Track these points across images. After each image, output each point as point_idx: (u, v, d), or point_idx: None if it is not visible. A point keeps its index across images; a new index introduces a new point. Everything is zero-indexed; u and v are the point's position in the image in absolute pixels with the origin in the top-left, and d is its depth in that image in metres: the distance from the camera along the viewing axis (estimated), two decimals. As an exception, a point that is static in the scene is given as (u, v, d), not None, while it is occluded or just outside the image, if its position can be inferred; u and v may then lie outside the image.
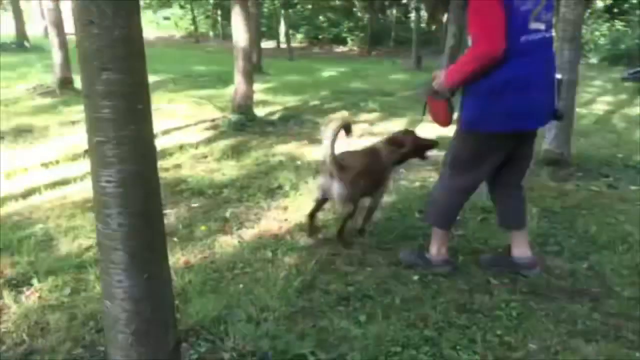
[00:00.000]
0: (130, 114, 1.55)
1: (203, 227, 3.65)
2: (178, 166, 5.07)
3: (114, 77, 1.50)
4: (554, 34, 2.83)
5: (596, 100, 10.67)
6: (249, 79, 7.00)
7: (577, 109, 7.63)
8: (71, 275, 2.96)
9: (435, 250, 3.14)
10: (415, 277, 3.03)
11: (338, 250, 3.37)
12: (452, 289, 2.92)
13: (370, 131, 6.92)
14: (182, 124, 6.88)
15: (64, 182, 4.48)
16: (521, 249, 3.12)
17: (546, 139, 5.20)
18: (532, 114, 2.78)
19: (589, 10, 21.88)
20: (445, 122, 3.02)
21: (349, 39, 26.74)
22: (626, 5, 22.47)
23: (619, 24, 22.05)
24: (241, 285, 2.91)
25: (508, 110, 2.71)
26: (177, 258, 3.20)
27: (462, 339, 2.47)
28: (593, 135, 7.05)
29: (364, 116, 7.96)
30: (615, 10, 22.63)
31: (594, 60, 20.79)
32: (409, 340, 2.45)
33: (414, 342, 2.43)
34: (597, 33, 21.80)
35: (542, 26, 2.70)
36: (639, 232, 3.65)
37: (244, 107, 6.96)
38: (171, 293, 1.79)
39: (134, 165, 1.57)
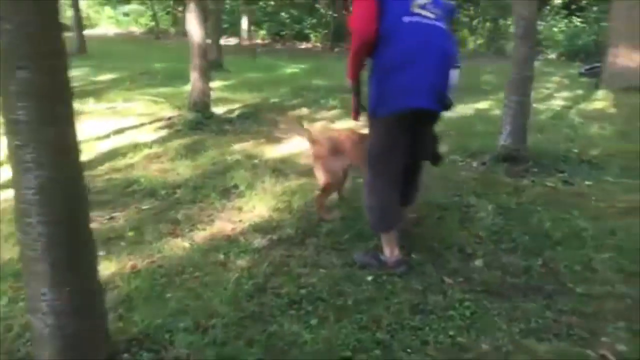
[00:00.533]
0: (50, 116, 1.44)
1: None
2: (130, 166, 4.92)
3: (30, 76, 1.38)
4: (443, 25, 2.88)
5: (553, 95, 10.80)
6: (205, 76, 6.86)
7: (535, 105, 7.71)
8: (9, 284, 2.82)
9: (389, 252, 3.10)
10: (369, 278, 2.98)
11: (292, 252, 3.29)
12: (406, 289, 2.88)
13: (331, 128, 6.84)
14: (137, 122, 6.70)
15: (5, 185, 4.29)
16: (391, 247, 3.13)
17: (502, 134, 5.21)
18: (415, 91, 2.83)
19: (547, 7, 22.29)
20: (354, 116, 3.24)
21: (312, 36, 26.61)
22: (584, 2, 22.90)
23: (576, 20, 22.46)
24: (190, 291, 2.81)
25: (394, 90, 2.84)
26: (123, 263, 3.08)
27: (414, 340, 2.43)
28: (550, 131, 7.11)
29: (324, 113, 7.89)
30: (573, 6, 23.05)
31: (552, 55, 21.14)
32: (361, 343, 2.39)
33: (366, 345, 2.38)
34: (555, 29, 22.16)
35: (430, 15, 2.84)
36: (592, 228, 3.67)
37: (201, 105, 6.81)
38: (102, 305, 1.69)
39: (55, 171, 1.47)
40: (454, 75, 2.98)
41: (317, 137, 3.84)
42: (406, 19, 2.79)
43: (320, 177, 3.78)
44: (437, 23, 2.86)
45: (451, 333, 2.49)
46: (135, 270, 3.00)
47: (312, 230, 3.59)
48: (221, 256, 3.20)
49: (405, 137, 2.98)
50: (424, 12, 2.83)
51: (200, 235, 3.51)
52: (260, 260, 3.16)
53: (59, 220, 1.49)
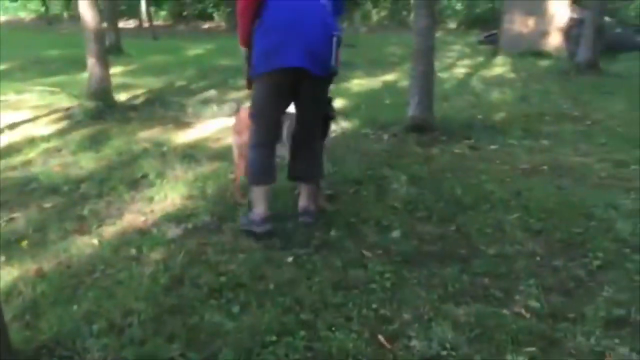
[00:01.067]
0: None
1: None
2: (27, 163, 4.60)
3: None
4: (325, 3, 3.04)
5: (456, 64, 11.16)
6: (104, 62, 6.49)
7: (439, 74, 7.94)
8: None
9: (256, 209, 3.23)
10: (290, 259, 2.94)
11: (208, 239, 3.20)
12: (326, 267, 2.87)
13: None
14: (32, 115, 6.27)
15: None
16: (304, 201, 3.35)
17: (410, 105, 5.31)
18: (291, 52, 2.97)
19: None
20: (246, 84, 3.34)
21: (215, 15, 25.98)
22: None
23: (473, -10, 23.22)
24: (102, 290, 2.66)
25: (270, 49, 3.01)
26: (26, 267, 2.88)
27: (338, 318, 2.42)
28: (454, 99, 7.34)
29: (234, 94, 7.73)
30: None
31: (452, 25, 21.79)
32: (285, 326, 2.36)
33: (290, 327, 2.34)
34: (453, -1, 22.84)
35: None
36: (499, 190, 3.81)
37: (101, 93, 6.46)
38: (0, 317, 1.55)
39: None
40: (334, 43, 3.02)
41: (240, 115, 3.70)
42: None
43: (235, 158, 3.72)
44: None
45: (374, 306, 2.50)
46: (41, 274, 2.81)
47: (228, 215, 3.51)
48: (134, 250, 3.06)
49: (284, 98, 3.17)
50: None
51: (110, 230, 3.34)
52: (175, 251, 3.05)
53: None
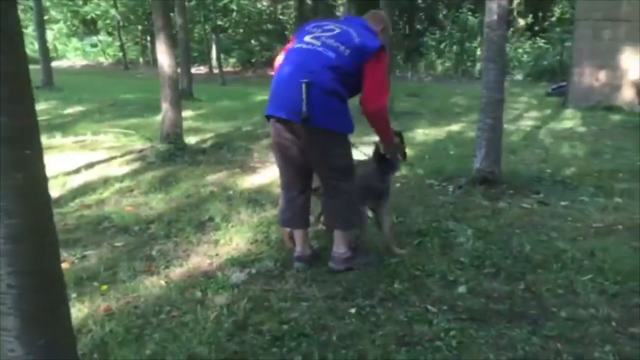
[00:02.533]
0: (17, 161, 1.36)
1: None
2: (101, 202, 4.79)
3: (-2, 121, 1.31)
4: (332, 55, 3.17)
5: (523, 116, 10.99)
6: (177, 106, 6.77)
7: (505, 126, 7.82)
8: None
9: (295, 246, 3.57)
10: (353, 311, 2.91)
11: (272, 286, 3.22)
12: (390, 320, 2.82)
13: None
14: (107, 156, 6.57)
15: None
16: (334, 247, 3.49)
17: (476, 157, 5.24)
18: (274, 103, 3.27)
19: (512, 29, 22.81)
20: None
21: (282, 62, 26.76)
22: (546, 24, 23.54)
23: (540, 42, 23.04)
24: (167, 332, 2.70)
25: (269, 98, 3.33)
26: (97, 305, 2.96)
27: (402, 375, 2.36)
28: (522, 152, 7.20)
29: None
30: (537, 28, 23.68)
31: (519, 77, 21.58)
32: (348, 381, 2.32)
33: (353, 383, 2.30)
34: (520, 50, 22.68)
35: (317, 42, 3.22)
36: (571, 249, 3.67)
37: (173, 136, 6.72)
38: (75, 356, 1.59)
39: (24, 218, 1.38)
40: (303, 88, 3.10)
41: None
42: (297, 45, 3.30)
43: None
44: (321, 49, 3.19)
45: (439, 365, 2.43)
46: (110, 312, 2.89)
47: (291, 262, 3.52)
48: (199, 293, 3.10)
49: (283, 146, 3.35)
50: (313, 41, 3.24)
51: (177, 271, 3.41)
52: (239, 295, 3.07)
53: (31, 271, 1.41)
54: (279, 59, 3.40)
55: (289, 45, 3.39)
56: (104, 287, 3.19)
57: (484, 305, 2.99)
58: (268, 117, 3.35)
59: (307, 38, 3.27)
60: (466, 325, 2.77)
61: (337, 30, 3.26)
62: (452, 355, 2.51)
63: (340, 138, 3.32)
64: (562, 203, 4.83)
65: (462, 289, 3.17)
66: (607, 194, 5.15)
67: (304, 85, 3.08)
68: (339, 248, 3.44)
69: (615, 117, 10.53)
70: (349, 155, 3.39)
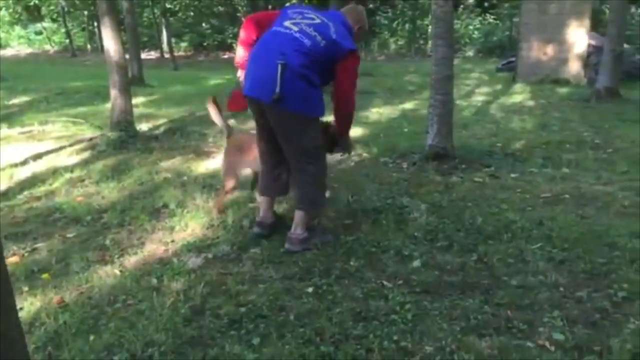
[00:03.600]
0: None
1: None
2: (51, 193, 4.67)
3: None
4: (307, 42, 3.21)
5: (474, 91, 11.17)
6: (126, 93, 6.61)
7: (457, 102, 7.96)
8: None
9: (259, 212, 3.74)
10: (310, 290, 2.94)
11: (229, 269, 3.21)
12: (347, 297, 2.86)
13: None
14: (56, 146, 6.38)
15: None
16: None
17: (429, 134, 5.31)
18: (249, 83, 3.33)
19: (462, 6, 23.07)
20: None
21: (234, 45, 26.43)
22: (495, 0, 23.86)
23: (490, 18, 23.37)
24: (123, 320, 2.67)
25: (246, 77, 3.40)
26: (49, 297, 2.91)
27: (359, 350, 2.40)
28: (473, 127, 7.32)
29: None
30: (486, 4, 23.99)
31: (470, 53, 21.89)
32: (305, 358, 2.35)
33: (311, 360, 2.33)
34: (470, 27, 22.97)
35: (295, 28, 3.26)
36: (521, 220, 3.78)
37: (124, 123, 6.57)
38: (24, 351, 1.56)
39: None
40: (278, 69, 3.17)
41: (233, 134, 4.15)
42: (275, 28, 3.33)
43: (222, 175, 4.09)
44: (297, 35, 3.23)
45: (395, 338, 2.47)
46: (63, 305, 2.83)
47: (248, 245, 3.52)
48: (155, 280, 3.08)
49: (260, 124, 3.49)
50: (291, 26, 3.28)
51: (131, 260, 3.36)
52: (196, 280, 3.06)
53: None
54: (243, 35, 3.50)
55: (262, 21, 3.46)
56: (45, 275, 3.15)
57: (437, 277, 3.06)
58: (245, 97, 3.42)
59: (286, 23, 3.31)
60: (421, 298, 2.83)
61: (317, 21, 3.31)
62: (407, 328, 2.56)
63: (308, 121, 3.36)
64: (512, 175, 4.95)
65: (416, 263, 3.23)
66: (554, 165, 5.31)
67: (279, 66, 3.13)
68: (297, 229, 3.46)
69: (563, 90, 10.80)
70: (317, 138, 3.42)
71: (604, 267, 3.10)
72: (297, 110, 3.24)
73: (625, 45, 10.26)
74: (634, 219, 3.83)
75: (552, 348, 2.38)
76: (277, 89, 3.14)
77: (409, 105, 9.41)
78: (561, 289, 2.90)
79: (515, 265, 3.18)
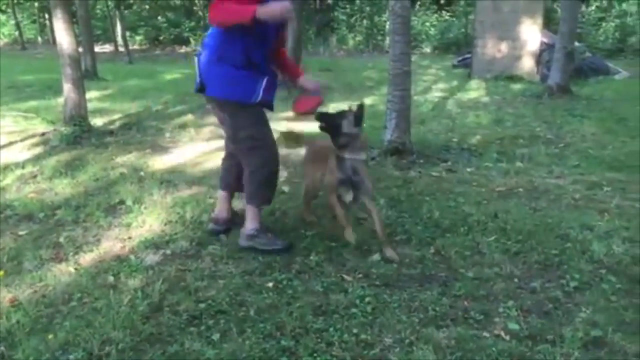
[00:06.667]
0: None
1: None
2: (2, 190, 4.52)
3: None
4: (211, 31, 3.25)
5: (431, 87, 11.32)
6: (80, 86, 6.44)
7: (415, 97, 8.05)
8: None
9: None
10: (270, 284, 2.93)
11: (187, 265, 3.17)
12: (307, 291, 2.87)
13: (220, 133, 6.71)
14: (6, 141, 6.19)
15: None
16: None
17: (387, 129, 5.36)
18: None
19: (419, 3, 23.33)
20: None
21: (191, 39, 26.10)
22: (451, -3, 24.26)
23: (446, 15, 23.72)
24: (79, 319, 2.61)
25: None
26: (1, 297, 2.82)
27: (319, 343, 2.41)
28: (430, 122, 7.43)
29: (211, 118, 7.70)
30: (442, 1, 24.34)
31: (427, 49, 22.17)
32: (266, 353, 2.34)
33: (271, 354, 2.33)
34: (427, 24, 23.26)
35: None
36: (477, 213, 3.86)
37: (77, 118, 6.40)
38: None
39: None
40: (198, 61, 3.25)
41: (309, 141, 3.99)
42: None
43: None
44: (212, 31, 3.26)
45: (355, 331, 2.49)
46: (16, 304, 2.75)
47: (207, 241, 3.49)
48: (111, 278, 3.02)
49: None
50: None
51: (87, 257, 3.29)
52: (154, 277, 3.01)
53: None
54: None
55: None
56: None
57: (396, 270, 3.10)
58: None
59: None
60: (380, 291, 2.86)
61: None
62: (367, 321, 2.58)
63: (236, 108, 3.24)
64: (468, 169, 5.05)
65: (376, 257, 3.26)
66: (509, 159, 5.45)
67: (196, 58, 3.24)
68: (246, 224, 3.41)
69: (516, 87, 11.06)
70: (250, 127, 3.27)
71: (556, 258, 3.20)
72: (218, 95, 3.23)
73: (576, 43, 10.56)
74: (585, 211, 3.96)
75: (507, 337, 2.45)
76: (197, 78, 3.23)
77: (367, 101, 9.44)
78: (516, 279, 2.98)
79: (471, 257, 3.25)
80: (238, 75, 3.17)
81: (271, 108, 3.37)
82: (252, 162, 3.34)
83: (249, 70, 3.18)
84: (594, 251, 3.26)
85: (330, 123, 3.26)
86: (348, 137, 3.21)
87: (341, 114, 3.29)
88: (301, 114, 3.44)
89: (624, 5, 19.89)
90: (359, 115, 3.23)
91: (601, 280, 2.93)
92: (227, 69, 3.16)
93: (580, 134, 6.62)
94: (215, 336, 2.46)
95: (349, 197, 3.29)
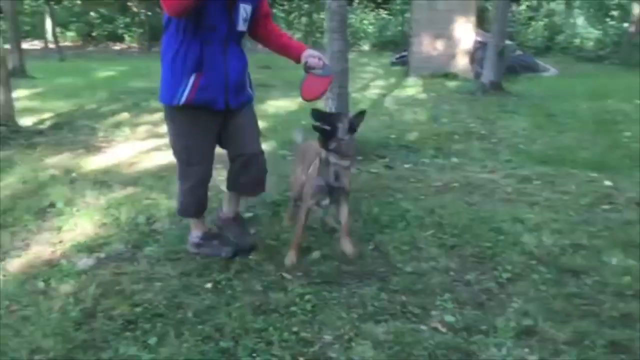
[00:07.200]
0: None
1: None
2: None
3: None
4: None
5: (370, 85, 11.43)
6: (6, 85, 6.15)
7: (354, 95, 8.12)
8: None
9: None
10: (209, 285, 2.89)
11: (123, 269, 3.09)
12: (247, 291, 2.84)
13: (156, 132, 6.58)
14: None
15: None
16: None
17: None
18: None
19: (356, 1, 23.52)
20: None
21: (126, 36, 25.39)
22: (387, -5, 24.55)
23: (383, 13, 24.02)
24: (7, 328, 2.50)
25: None
26: None
27: (259, 343, 2.39)
28: (369, 119, 7.42)
29: (147, 117, 7.54)
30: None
31: (365, 47, 22.39)
32: (205, 355, 2.31)
33: (210, 356, 2.31)
34: (365, 22, 23.49)
35: None
36: (414, 208, 3.92)
37: (4, 118, 6.11)
38: None
39: None
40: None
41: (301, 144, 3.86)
42: None
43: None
44: None
45: (295, 329, 2.49)
46: (-64, 314, 2.61)
47: (144, 243, 3.41)
48: (41, 284, 2.90)
49: None
50: None
51: (14, 263, 3.15)
52: (87, 282, 2.92)
53: None
54: None
55: None
56: None
57: (336, 268, 3.11)
58: None
59: None
60: (320, 289, 2.86)
61: None
62: (307, 319, 2.59)
63: (165, 111, 3.02)
64: (406, 166, 5.14)
65: (315, 254, 3.26)
66: (445, 155, 5.58)
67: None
68: (191, 231, 3.31)
69: (452, 84, 11.33)
70: (173, 134, 3.03)
71: (489, 250, 3.30)
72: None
73: (508, 42, 10.91)
74: (516, 204, 4.10)
75: (444, 330, 2.50)
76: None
77: (306, 98, 9.47)
78: (452, 273, 3.05)
79: (409, 252, 3.30)
80: (167, 72, 2.88)
81: (219, 108, 2.96)
82: (178, 170, 3.14)
83: (174, 63, 2.84)
84: (525, 243, 3.38)
85: (327, 124, 3.09)
86: (339, 141, 3.08)
87: (338, 117, 3.19)
88: (311, 100, 3.11)
89: (552, 5, 20.69)
90: (355, 122, 3.12)
91: (532, 271, 3.04)
92: (163, 67, 2.91)
93: (511, 129, 6.85)
94: (152, 340, 2.41)
95: (325, 202, 3.24)
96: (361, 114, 3.16)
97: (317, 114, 3.11)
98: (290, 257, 3.16)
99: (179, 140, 3.02)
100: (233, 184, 3.24)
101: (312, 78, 3.07)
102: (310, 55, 3.09)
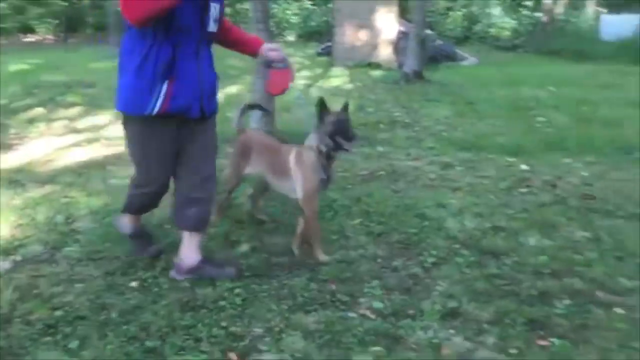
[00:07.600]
0: None
1: None
2: None
3: None
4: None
5: (296, 75, 11.37)
6: None
7: (279, 86, 8.03)
8: None
9: None
10: (134, 284, 2.81)
11: (41, 271, 2.95)
12: (173, 288, 2.78)
13: (74, 128, 6.31)
14: None
15: None
16: None
17: (253, 118, 5.33)
18: None
19: (281, -10, 23.38)
20: None
21: (40, 27, 24.15)
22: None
23: (307, 3, 23.99)
24: None
25: None
26: None
27: (187, 340, 2.36)
28: (295, 110, 7.48)
29: (63, 112, 7.22)
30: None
31: (290, 37, 22.31)
32: (130, 356, 2.25)
33: (135, 357, 2.25)
34: (288, 12, 23.38)
35: None
36: (341, 197, 3.97)
37: None
38: None
39: None
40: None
41: (242, 130, 3.85)
42: None
43: None
44: None
45: (224, 324, 2.47)
46: None
47: (63, 243, 3.26)
48: (-50, 291, 2.73)
49: None
50: None
51: None
52: (3, 286, 2.77)
53: None
54: None
55: None
56: None
57: (265, 260, 3.10)
58: None
59: None
60: (249, 282, 2.84)
61: None
62: (236, 313, 2.57)
63: (123, 120, 2.73)
64: (333, 155, 5.16)
65: (244, 247, 3.25)
66: (371, 143, 5.66)
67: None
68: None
69: (376, 73, 11.47)
70: (135, 142, 2.75)
71: (415, 236, 3.38)
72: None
73: (428, 31, 11.17)
74: (439, 190, 4.22)
75: (373, 316, 2.55)
76: None
77: (232, 90, 9.35)
78: (379, 260, 3.11)
79: (338, 241, 3.34)
80: (125, 79, 2.62)
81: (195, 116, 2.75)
82: (134, 175, 2.92)
83: (134, 71, 2.57)
84: (448, 228, 3.48)
85: (336, 117, 3.28)
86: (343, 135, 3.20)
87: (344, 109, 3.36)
88: (278, 94, 3.27)
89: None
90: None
91: (455, 255, 3.14)
92: (121, 74, 2.64)
93: (434, 117, 7.03)
94: (74, 344, 2.32)
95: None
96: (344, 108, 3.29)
97: (324, 105, 3.32)
98: (322, 255, 3.12)
99: (141, 150, 2.75)
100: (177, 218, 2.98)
101: (275, 72, 3.10)
102: (269, 49, 3.03)
